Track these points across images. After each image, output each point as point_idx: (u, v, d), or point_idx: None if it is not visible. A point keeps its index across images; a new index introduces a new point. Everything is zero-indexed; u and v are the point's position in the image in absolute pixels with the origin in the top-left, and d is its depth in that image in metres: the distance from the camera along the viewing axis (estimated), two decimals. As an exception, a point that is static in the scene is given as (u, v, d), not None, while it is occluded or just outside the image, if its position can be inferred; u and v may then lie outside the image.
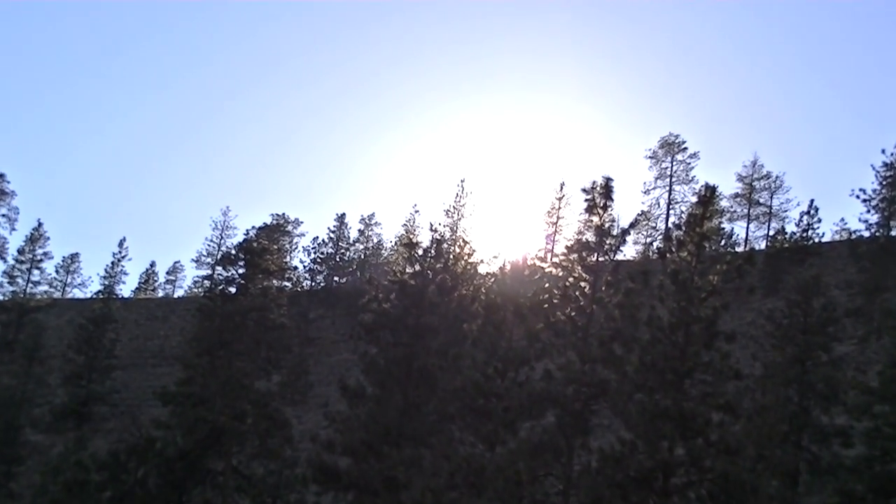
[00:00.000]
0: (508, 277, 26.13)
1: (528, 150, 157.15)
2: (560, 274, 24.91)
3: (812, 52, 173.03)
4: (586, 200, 24.26)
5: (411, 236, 69.09)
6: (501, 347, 24.20)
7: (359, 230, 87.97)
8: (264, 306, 40.59)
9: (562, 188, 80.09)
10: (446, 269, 29.04)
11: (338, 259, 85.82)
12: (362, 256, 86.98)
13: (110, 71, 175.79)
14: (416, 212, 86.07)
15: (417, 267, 29.20)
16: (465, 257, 30.83)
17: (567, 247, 24.99)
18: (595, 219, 24.13)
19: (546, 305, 23.88)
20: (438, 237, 30.39)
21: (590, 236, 24.13)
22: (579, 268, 23.93)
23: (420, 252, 29.32)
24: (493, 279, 29.00)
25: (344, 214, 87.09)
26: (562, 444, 22.13)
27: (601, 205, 23.95)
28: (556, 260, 25.87)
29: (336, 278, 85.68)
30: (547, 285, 24.78)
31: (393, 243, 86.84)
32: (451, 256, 30.24)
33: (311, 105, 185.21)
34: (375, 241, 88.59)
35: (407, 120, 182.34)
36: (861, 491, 25.83)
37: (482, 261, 63.96)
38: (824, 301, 31.62)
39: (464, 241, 33.46)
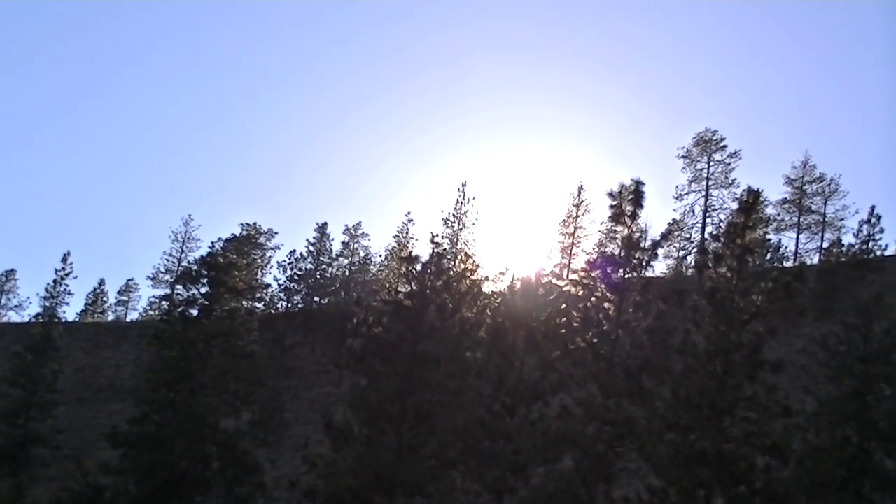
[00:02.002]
0: (519, 297, 26.23)
1: (538, 151, 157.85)
2: (580, 293, 25.03)
3: (869, 39, 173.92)
4: (612, 207, 24.45)
5: (406, 249, 69.19)
6: (511, 379, 24.29)
7: (343, 242, 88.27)
8: (232, 331, 40.64)
9: (580, 193, 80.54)
10: (447, 288, 29.12)
11: (319, 276, 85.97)
12: (347, 273, 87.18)
13: (47, 64, 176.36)
14: (410, 221, 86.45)
15: (414, 285, 29.29)
16: (469, 274, 30.94)
17: (588, 261, 25.18)
18: (622, 229, 24.30)
19: (563, 330, 24.02)
20: (438, 250, 30.47)
21: (615, 249, 24.29)
22: (602, 286, 24.08)
23: (417, 268, 29.39)
24: (500, 299, 29.09)
25: (326, 224, 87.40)
26: (581, 493, 22.19)
27: (630, 212, 24.12)
28: (574, 277, 25.94)
29: (317, 298, 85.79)
30: (564, 306, 24.90)
31: (383, 257, 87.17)
32: (453, 273, 30.33)
33: (287, 99, 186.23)
34: (363, 254, 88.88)
35: (399, 118, 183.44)
36: (931, 547, 25.87)
37: (488, 278, 64.29)
38: (887, 325, 31.65)
39: (466, 255, 33.71)
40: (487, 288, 36.79)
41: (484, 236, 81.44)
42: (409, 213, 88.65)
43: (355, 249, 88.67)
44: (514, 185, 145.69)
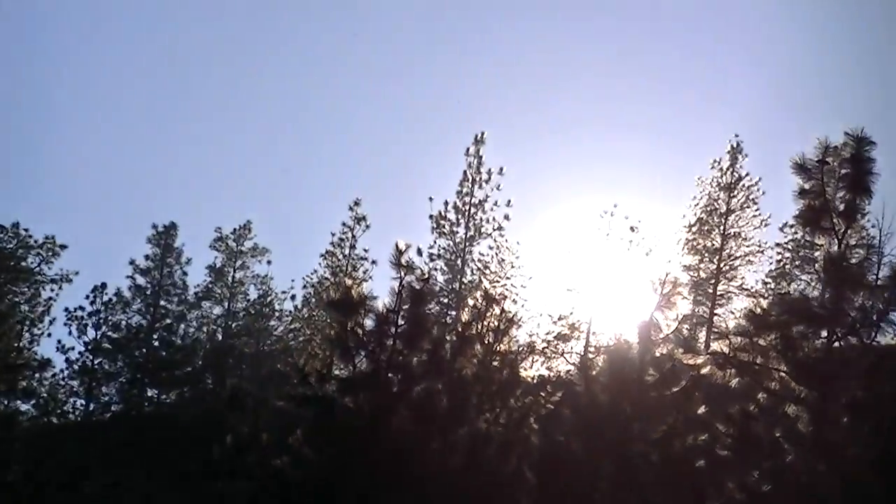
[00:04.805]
0: (603, 386, 26.41)
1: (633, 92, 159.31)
2: (733, 380, 25.11)
3: None
4: (802, 195, 24.54)
5: (350, 282, 69.47)
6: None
7: (211, 268, 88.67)
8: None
9: (734, 160, 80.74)
10: (437, 366, 29.21)
11: (156, 340, 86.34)
12: (220, 334, 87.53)
13: None
14: (360, 221, 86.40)
15: (365, 362, 29.37)
16: (490, 334, 31.05)
17: (751, 311, 25.22)
18: (825, 241, 24.40)
19: (702, 461, 24.09)
20: (418, 283, 30.45)
21: (811, 284, 24.43)
22: (783, 364, 24.15)
23: (369, 323, 29.46)
24: (562, 392, 29.21)
25: (173, 227, 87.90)
26: None
27: (843, 205, 24.20)
28: (720, 345, 26.06)
29: (152, 391, 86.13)
30: (704, 409, 25.02)
31: (300, 301, 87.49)
32: (453, 335, 30.45)
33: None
34: (256, 294, 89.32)
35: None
36: None
37: (534, 346, 63.89)
38: None
39: (487, 295, 33.57)
40: (531, 367, 36.92)
41: (524, 253, 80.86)
42: (356, 202, 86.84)
43: (238, 284, 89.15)
44: (586, 150, 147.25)
